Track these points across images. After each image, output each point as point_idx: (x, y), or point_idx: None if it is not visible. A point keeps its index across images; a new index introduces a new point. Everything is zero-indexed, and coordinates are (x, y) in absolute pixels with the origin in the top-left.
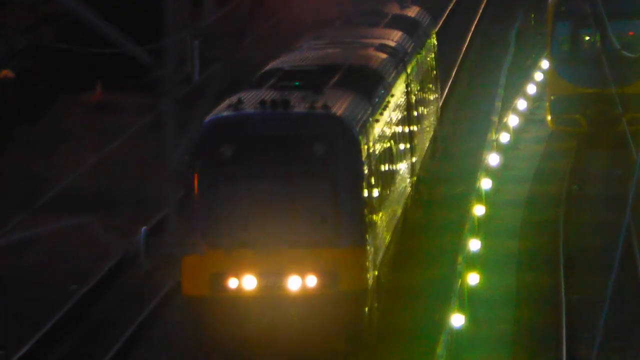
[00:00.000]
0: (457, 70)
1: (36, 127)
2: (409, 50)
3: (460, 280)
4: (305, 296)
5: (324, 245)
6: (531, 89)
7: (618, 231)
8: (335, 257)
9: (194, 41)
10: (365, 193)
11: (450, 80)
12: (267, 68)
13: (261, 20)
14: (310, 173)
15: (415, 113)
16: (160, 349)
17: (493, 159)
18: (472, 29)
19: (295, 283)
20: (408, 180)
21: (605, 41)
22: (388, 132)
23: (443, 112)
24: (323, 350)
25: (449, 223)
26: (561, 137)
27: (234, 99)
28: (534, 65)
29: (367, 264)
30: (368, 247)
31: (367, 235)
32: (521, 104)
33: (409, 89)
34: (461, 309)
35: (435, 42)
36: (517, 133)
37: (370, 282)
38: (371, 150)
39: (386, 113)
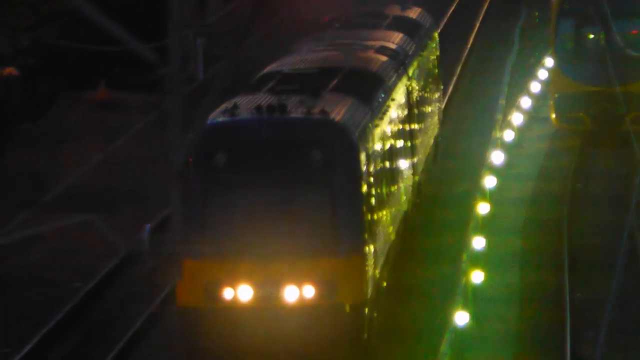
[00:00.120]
0: (461, 68)
1: (40, 125)
2: (410, 52)
3: (464, 279)
4: (303, 307)
5: (322, 254)
6: (535, 87)
7: (622, 229)
8: (333, 267)
9: (198, 39)
10: (365, 201)
11: (455, 78)
12: (265, 71)
13: (265, 19)
14: (307, 180)
15: (416, 117)
16: (161, 350)
17: (497, 157)
18: (476, 27)
19: (292, 294)
20: (409, 185)
21: (609, 39)
22: (388, 137)
23: (446, 111)
24: None
25: (451, 223)
26: (565, 135)
27: (229, 103)
28: (538, 64)
29: (367, 273)
30: (367, 257)
31: (367, 244)
32: (525, 102)
33: (410, 92)
34: (465, 307)
35: (437, 44)
36: (521, 131)
37: (369, 292)
38: (371, 157)
39: (386, 118)
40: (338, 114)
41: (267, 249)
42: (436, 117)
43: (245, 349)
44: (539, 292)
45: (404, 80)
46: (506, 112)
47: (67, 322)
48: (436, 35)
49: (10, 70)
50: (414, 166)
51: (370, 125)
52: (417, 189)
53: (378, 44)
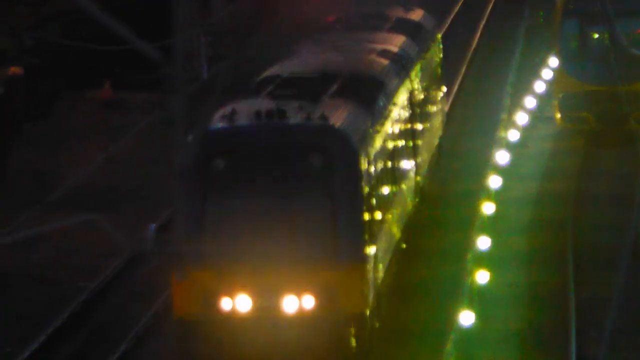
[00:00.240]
0: (465, 68)
1: (42, 124)
2: (413, 55)
3: (469, 278)
4: (302, 317)
5: (322, 263)
6: (539, 86)
7: (626, 229)
8: (333, 276)
9: (202, 38)
10: (365, 208)
11: (459, 78)
12: (263, 74)
13: (266, 18)
14: (307, 187)
15: (418, 121)
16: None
17: (502, 157)
18: (481, 26)
19: (291, 303)
20: (412, 190)
21: (613, 39)
22: (390, 142)
23: (452, 110)
24: None
25: (454, 224)
26: (569, 134)
27: (227, 108)
28: (542, 63)
29: (368, 282)
30: (368, 265)
31: (368, 253)
32: (530, 102)
33: (413, 96)
34: (470, 306)
35: (441, 46)
36: (525, 131)
37: (370, 302)
38: (371, 163)
39: (388, 122)
40: (338, 119)
41: (266, 258)
42: (439, 121)
43: None
44: (544, 291)
45: (406, 84)
46: (511, 112)
47: (69, 324)
48: (439, 37)
49: (15, 70)
50: (416, 171)
51: (371, 130)
52: (420, 194)
53: (380, 46)
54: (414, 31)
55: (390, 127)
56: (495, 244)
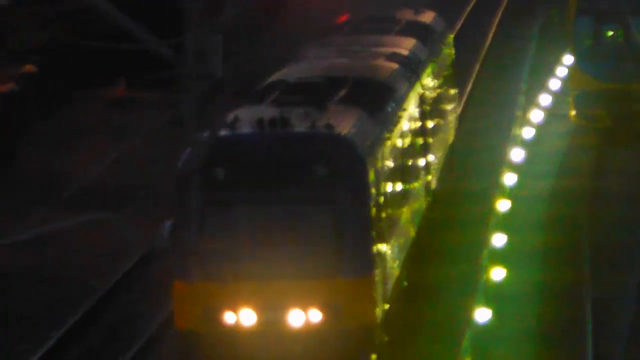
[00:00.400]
0: (479, 66)
1: (54, 122)
2: (423, 59)
3: (485, 275)
4: (308, 332)
5: (328, 276)
6: (554, 84)
7: None
8: (340, 289)
9: (216, 36)
10: (373, 219)
11: (473, 77)
12: (268, 80)
13: (279, 17)
14: (312, 198)
15: (429, 128)
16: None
17: (516, 154)
18: (495, 24)
19: (296, 317)
20: (422, 199)
21: (628, 36)
22: (399, 150)
23: (465, 109)
24: None
25: (470, 220)
26: (584, 132)
27: (229, 117)
28: (557, 61)
29: (376, 296)
30: (376, 278)
31: (376, 265)
32: (544, 99)
33: (423, 101)
34: (486, 304)
35: (452, 49)
36: (540, 128)
37: (379, 315)
38: (380, 172)
39: (397, 130)
40: (345, 127)
41: (270, 270)
42: (451, 126)
43: None
44: (560, 289)
45: (417, 89)
46: (525, 109)
47: (81, 324)
48: (451, 39)
49: (29, 68)
50: (427, 179)
51: (379, 138)
52: (431, 202)
53: (389, 50)
54: (424, 34)
55: (400, 134)
56: (510, 241)
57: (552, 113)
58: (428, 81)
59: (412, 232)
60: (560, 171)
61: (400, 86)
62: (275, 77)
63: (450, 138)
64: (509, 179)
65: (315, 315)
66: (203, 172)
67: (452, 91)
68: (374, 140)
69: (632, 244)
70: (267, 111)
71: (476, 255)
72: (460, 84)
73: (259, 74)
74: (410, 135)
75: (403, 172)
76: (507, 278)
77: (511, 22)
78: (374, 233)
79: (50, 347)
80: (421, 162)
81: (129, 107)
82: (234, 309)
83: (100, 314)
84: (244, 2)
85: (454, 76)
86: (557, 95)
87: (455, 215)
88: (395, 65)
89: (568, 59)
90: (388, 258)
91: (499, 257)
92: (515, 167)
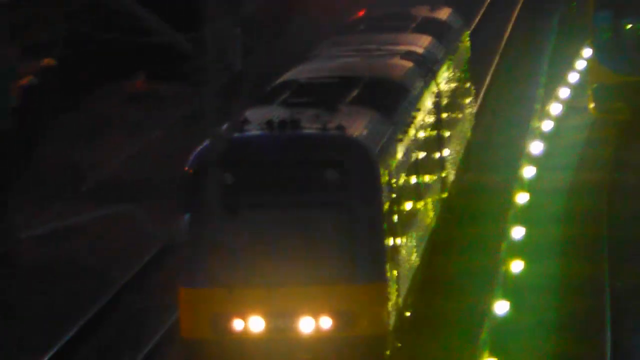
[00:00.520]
0: (498, 59)
1: (77, 115)
2: (439, 57)
3: (503, 268)
4: (319, 339)
5: (340, 282)
6: (573, 77)
7: None
8: (351, 295)
9: (235, 30)
10: (386, 222)
11: (491, 71)
12: (279, 80)
13: (304, 9)
14: (323, 202)
15: (445, 128)
16: None
17: (535, 147)
18: (514, 17)
19: (307, 325)
20: (437, 201)
21: None
22: (413, 151)
23: (484, 102)
24: None
25: (489, 213)
26: (603, 125)
27: (239, 117)
28: (576, 54)
29: (388, 302)
30: (389, 284)
31: (388, 270)
32: (563, 92)
33: (439, 101)
34: (505, 296)
35: (469, 46)
36: (559, 121)
37: (391, 322)
38: (393, 174)
39: (411, 131)
40: (357, 129)
41: (279, 276)
42: (467, 125)
43: None
44: (578, 281)
45: (432, 89)
46: (545, 103)
47: (99, 318)
48: (467, 36)
49: (48, 61)
50: (442, 181)
51: (392, 140)
52: (447, 205)
53: (404, 48)
54: (440, 31)
55: (414, 134)
56: (529, 233)
57: (571, 106)
58: (444, 79)
59: (428, 232)
60: (579, 164)
61: (415, 85)
62: (287, 76)
63: (467, 136)
64: (528, 171)
65: (326, 323)
66: (210, 175)
67: (469, 88)
68: (387, 142)
69: None
70: (277, 112)
71: (495, 247)
72: (478, 79)
73: (279, 68)
74: (424, 135)
75: (417, 174)
76: (526, 270)
77: (530, 15)
78: (386, 237)
79: (68, 340)
80: (436, 161)
81: (148, 100)
82: (242, 316)
83: (117, 307)
84: None
85: (470, 72)
86: (576, 89)
87: (474, 208)
88: (410, 64)
89: (587, 52)
90: (402, 262)
91: (518, 249)
92: (534, 160)
